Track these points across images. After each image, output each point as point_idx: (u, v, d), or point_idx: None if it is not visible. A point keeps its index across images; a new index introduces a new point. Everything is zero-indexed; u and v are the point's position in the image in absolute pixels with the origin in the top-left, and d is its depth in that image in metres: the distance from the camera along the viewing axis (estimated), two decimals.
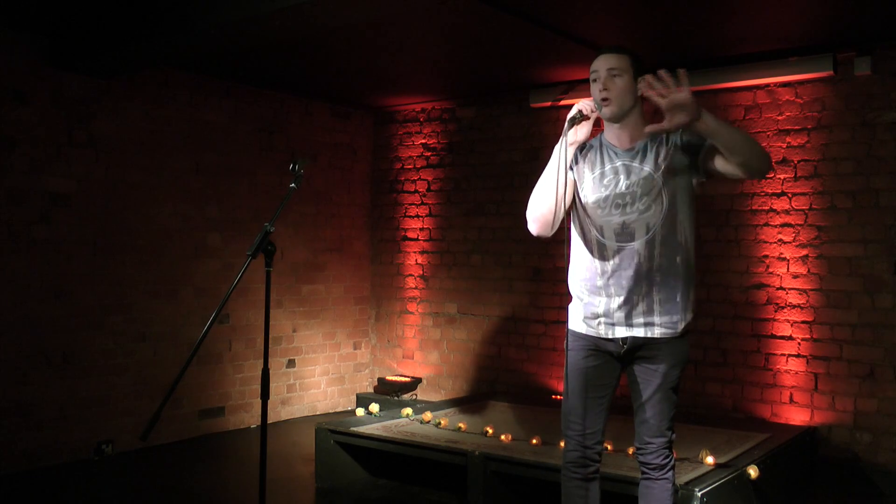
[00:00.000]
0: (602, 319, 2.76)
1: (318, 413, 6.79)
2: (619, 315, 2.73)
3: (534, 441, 4.34)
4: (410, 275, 7.07)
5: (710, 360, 5.48)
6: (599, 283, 2.76)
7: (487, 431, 4.58)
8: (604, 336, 2.77)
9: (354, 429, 4.67)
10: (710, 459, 3.94)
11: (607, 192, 2.73)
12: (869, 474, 4.84)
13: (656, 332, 2.73)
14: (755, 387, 5.32)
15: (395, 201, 7.20)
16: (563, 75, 5.88)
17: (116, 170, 5.47)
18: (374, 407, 5.14)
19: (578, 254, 2.84)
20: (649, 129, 2.54)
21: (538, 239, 2.92)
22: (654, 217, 2.69)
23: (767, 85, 5.32)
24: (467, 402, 5.70)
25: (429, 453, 4.37)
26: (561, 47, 5.11)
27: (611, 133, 2.80)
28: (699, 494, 3.46)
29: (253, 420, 6.26)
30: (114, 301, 5.43)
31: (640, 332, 2.73)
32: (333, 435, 4.69)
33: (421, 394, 6.86)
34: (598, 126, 2.82)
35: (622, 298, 2.72)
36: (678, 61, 5.42)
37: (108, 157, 5.43)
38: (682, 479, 3.58)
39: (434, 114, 6.98)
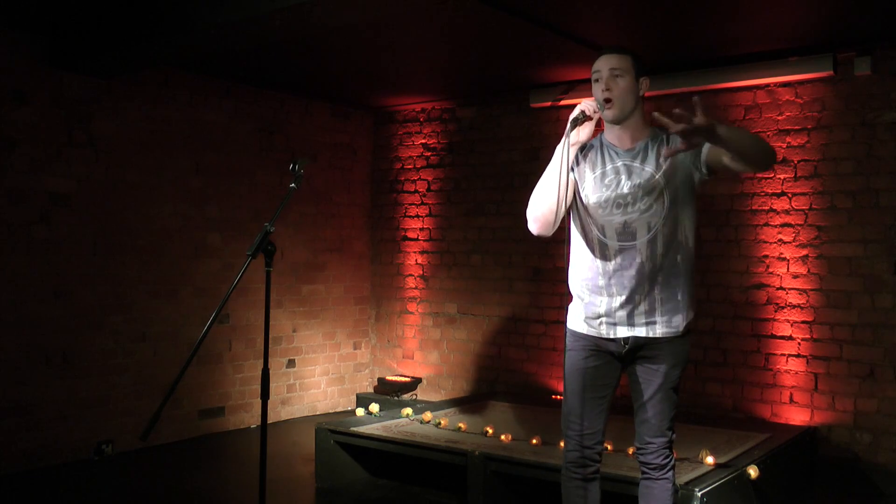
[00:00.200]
0: (603, 319, 2.76)
1: (318, 413, 6.79)
2: (621, 315, 2.73)
3: (534, 441, 4.34)
4: (410, 275, 7.07)
5: (710, 360, 5.48)
6: (601, 282, 2.76)
7: (487, 431, 4.58)
8: (605, 336, 2.77)
9: (354, 429, 4.67)
10: (710, 459, 3.94)
11: (608, 192, 2.73)
12: (869, 474, 4.84)
13: (658, 331, 2.73)
14: (755, 387, 5.32)
15: (395, 201, 7.20)
16: (563, 75, 5.87)
17: (116, 170, 5.47)
18: (374, 407, 5.14)
19: (579, 253, 2.84)
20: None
21: (538, 239, 2.91)
22: (655, 216, 2.69)
23: (767, 85, 5.32)
24: (467, 402, 5.70)
25: (429, 453, 4.37)
26: (561, 47, 5.11)
27: (611, 133, 2.80)
28: (699, 494, 3.46)
29: (253, 420, 6.25)
30: (114, 301, 5.43)
31: (641, 332, 2.73)
32: (333, 435, 4.69)
33: (421, 394, 6.86)
34: (599, 126, 2.81)
35: (624, 298, 2.72)
36: (678, 61, 5.45)
37: (108, 157, 5.43)
38: (682, 479, 3.58)
39: (434, 114, 6.98)
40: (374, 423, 4.86)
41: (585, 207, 2.79)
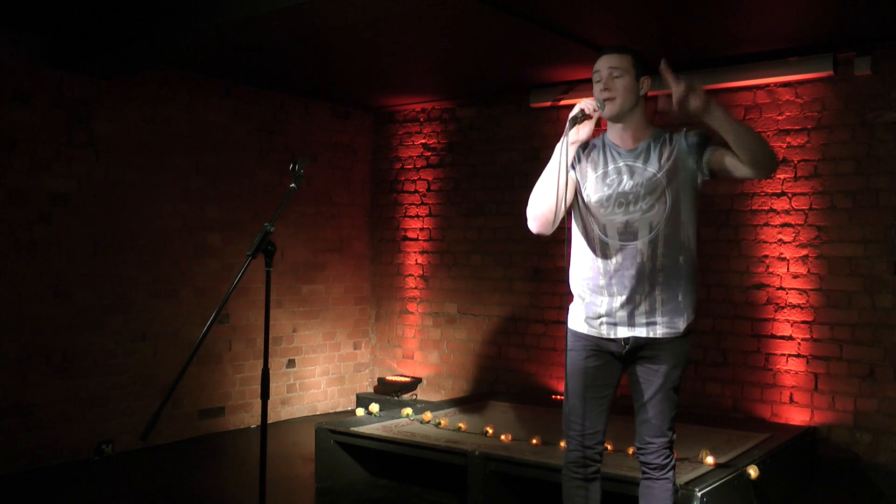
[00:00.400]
0: (604, 319, 2.76)
1: (318, 413, 6.79)
2: (622, 315, 2.73)
3: (534, 441, 4.34)
4: (410, 275, 7.07)
5: (710, 360, 5.48)
6: (602, 282, 2.75)
7: (487, 431, 4.58)
8: (605, 336, 2.77)
9: (354, 429, 4.67)
10: (710, 459, 3.94)
11: (610, 192, 2.73)
12: (869, 474, 4.84)
13: (658, 331, 2.73)
14: (755, 387, 5.32)
15: (395, 201, 7.20)
16: (563, 75, 5.87)
17: (116, 170, 5.47)
18: (374, 407, 5.14)
19: (580, 253, 2.84)
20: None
21: (538, 239, 2.92)
22: (657, 216, 2.69)
23: (767, 85, 5.32)
24: (467, 402, 5.70)
25: (429, 453, 4.37)
26: (561, 47, 5.11)
27: (613, 133, 2.80)
28: (699, 494, 3.46)
29: (253, 420, 6.26)
30: (114, 301, 5.43)
31: (642, 332, 2.73)
32: (333, 435, 4.69)
33: (421, 394, 6.86)
34: (599, 126, 2.81)
35: (624, 298, 2.72)
36: (678, 61, 5.43)
37: (108, 157, 5.43)
38: (683, 479, 3.58)
39: (434, 114, 6.98)
40: (374, 423, 4.86)
41: (587, 206, 2.78)
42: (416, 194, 7.05)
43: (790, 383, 5.20)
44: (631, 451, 4.00)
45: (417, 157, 7.06)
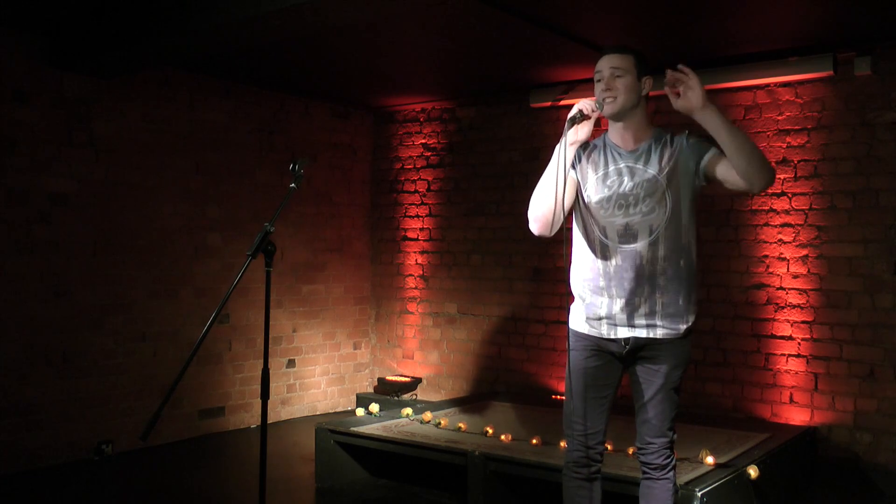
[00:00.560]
0: (604, 320, 2.76)
1: (318, 413, 6.79)
2: (622, 316, 2.73)
3: (534, 441, 4.34)
4: (410, 275, 7.07)
5: (710, 360, 5.48)
6: (602, 283, 2.75)
7: (487, 431, 4.57)
8: (606, 336, 2.77)
9: (354, 429, 4.67)
10: (710, 459, 3.94)
11: (610, 193, 2.73)
12: (869, 474, 4.84)
13: (658, 332, 2.73)
14: (755, 387, 5.32)
15: (395, 201, 7.20)
16: (563, 75, 5.87)
17: (116, 170, 5.47)
18: (374, 407, 5.14)
19: (581, 254, 2.84)
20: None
21: (538, 239, 2.91)
22: (657, 219, 2.69)
23: (767, 85, 5.32)
24: (467, 402, 5.70)
25: (429, 453, 4.37)
26: (561, 47, 5.11)
27: (615, 133, 2.80)
28: (699, 494, 3.46)
29: (253, 420, 6.26)
30: (114, 301, 5.43)
31: (642, 333, 2.73)
32: (333, 435, 4.69)
33: (421, 394, 6.86)
34: (598, 126, 2.81)
35: (624, 299, 2.72)
36: (678, 61, 5.42)
37: (109, 157, 5.43)
38: (683, 479, 3.58)
39: (434, 114, 6.98)
40: (374, 423, 4.86)
41: (587, 208, 2.78)
42: (416, 194, 7.05)
43: (790, 383, 5.20)
44: (631, 451, 4.00)
45: (417, 157, 7.06)
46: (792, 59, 5.12)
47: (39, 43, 5.07)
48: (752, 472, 3.89)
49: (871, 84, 4.97)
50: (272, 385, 6.14)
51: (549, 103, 6.17)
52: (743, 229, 5.40)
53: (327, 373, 6.93)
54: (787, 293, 5.23)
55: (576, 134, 2.72)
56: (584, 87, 5.89)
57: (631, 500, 3.17)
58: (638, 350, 2.76)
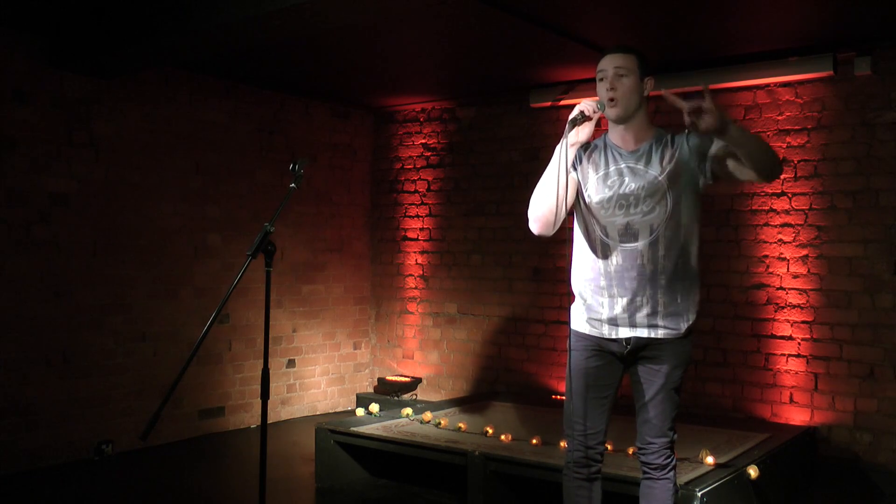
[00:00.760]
0: (605, 320, 2.76)
1: (318, 413, 6.79)
2: (623, 316, 2.73)
3: (534, 441, 4.34)
4: (410, 275, 7.07)
5: (710, 360, 5.48)
6: (603, 283, 2.75)
7: (487, 431, 4.58)
8: (607, 336, 2.77)
9: (354, 429, 4.67)
10: (710, 459, 3.94)
11: (611, 193, 2.73)
12: (869, 474, 4.84)
13: (660, 332, 2.73)
14: (755, 387, 5.32)
15: (395, 201, 7.20)
16: (563, 75, 5.87)
17: (116, 170, 5.47)
18: (374, 407, 5.14)
19: (582, 254, 2.84)
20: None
21: (538, 239, 2.91)
22: (658, 218, 2.69)
23: (767, 85, 5.32)
24: (467, 402, 5.70)
25: (429, 453, 4.37)
26: (561, 47, 5.11)
27: (615, 134, 2.79)
28: (699, 494, 3.46)
29: (253, 420, 6.25)
30: (114, 301, 5.43)
31: (643, 333, 2.73)
32: (333, 435, 4.69)
33: (421, 394, 6.86)
34: (599, 126, 2.81)
35: (626, 299, 2.72)
36: (678, 61, 5.45)
37: (109, 157, 5.43)
38: (683, 479, 3.58)
39: (434, 114, 6.98)
40: (374, 423, 4.86)
41: (588, 207, 2.78)
42: (416, 194, 7.05)
43: (790, 383, 5.20)
44: (631, 451, 4.01)
45: (417, 157, 7.06)
46: (792, 59, 5.12)
47: (39, 43, 5.06)
48: (752, 472, 3.89)
49: (871, 84, 4.97)
50: (272, 385, 6.14)
51: (549, 103, 6.17)
52: (743, 229, 5.40)
53: (327, 373, 6.93)
54: (787, 293, 5.23)
55: (577, 135, 2.72)
56: (584, 87, 5.89)
57: (631, 500, 3.17)
58: (639, 350, 2.76)
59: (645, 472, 2.84)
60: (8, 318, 4.92)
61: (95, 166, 5.36)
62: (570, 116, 2.68)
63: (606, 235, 2.75)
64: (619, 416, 3.18)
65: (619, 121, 2.74)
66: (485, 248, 6.62)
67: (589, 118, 2.70)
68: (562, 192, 2.67)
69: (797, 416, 5.16)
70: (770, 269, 5.30)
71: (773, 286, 5.28)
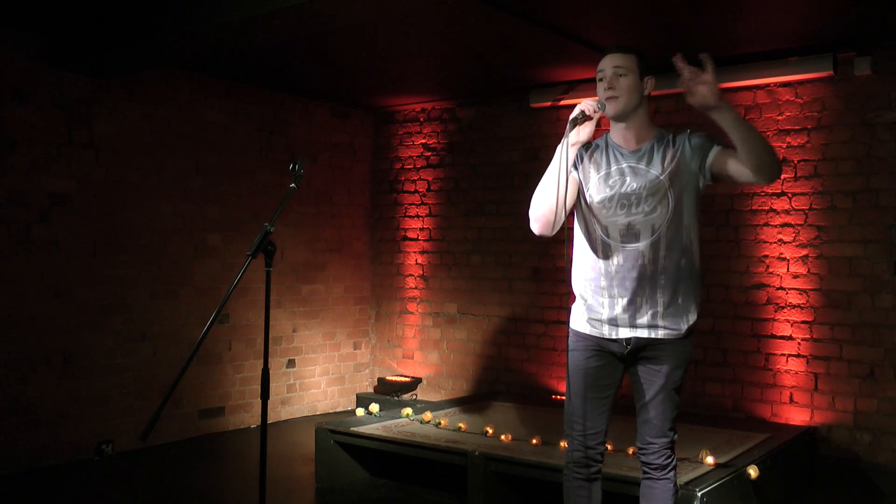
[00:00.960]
0: (606, 320, 2.75)
1: (318, 413, 6.79)
2: (624, 316, 2.73)
3: (534, 441, 4.34)
4: (410, 275, 7.07)
5: (710, 360, 5.48)
6: (604, 283, 2.75)
7: (487, 431, 4.58)
8: (607, 336, 2.76)
9: (354, 429, 4.67)
10: (710, 459, 3.94)
11: (612, 193, 2.73)
12: (869, 474, 4.84)
13: (660, 333, 2.72)
14: (755, 387, 5.32)
15: (395, 201, 7.20)
16: (563, 75, 5.87)
17: (116, 170, 5.47)
18: (374, 407, 5.14)
19: (582, 254, 2.84)
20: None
21: (538, 239, 2.91)
22: (659, 218, 2.69)
23: (767, 85, 5.32)
24: (467, 402, 5.70)
25: (429, 453, 4.37)
26: (561, 47, 5.11)
27: (617, 133, 2.79)
28: (699, 494, 3.46)
29: (253, 420, 6.26)
30: (114, 301, 5.43)
31: (643, 333, 2.73)
32: (333, 435, 4.69)
33: (421, 394, 6.86)
34: (600, 126, 2.81)
35: (626, 299, 2.71)
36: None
37: (109, 157, 5.43)
38: (683, 479, 3.58)
39: (434, 114, 6.98)
40: (374, 423, 4.86)
41: (589, 207, 2.78)
42: (416, 194, 7.05)
43: (790, 383, 5.20)
44: (631, 451, 4.01)
45: (417, 157, 7.06)
46: (792, 59, 5.12)
47: (39, 43, 5.07)
48: (752, 472, 3.89)
49: (871, 84, 4.97)
50: (272, 385, 6.14)
51: (549, 103, 6.17)
52: (743, 229, 5.40)
53: (327, 373, 6.93)
54: (787, 293, 5.23)
55: (577, 134, 2.72)
56: (584, 87, 5.89)
57: (631, 500, 3.17)
58: (639, 350, 2.76)
59: (645, 473, 2.84)
60: (8, 318, 4.92)
61: (95, 166, 5.36)
62: (571, 116, 2.68)
63: (608, 236, 2.74)
64: (619, 416, 3.19)
65: (619, 118, 2.73)
66: (485, 248, 6.62)
67: (590, 118, 2.70)
68: (562, 191, 2.67)
69: (797, 416, 5.16)
70: (770, 269, 5.30)
71: (773, 286, 5.28)
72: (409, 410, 5.10)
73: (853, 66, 4.99)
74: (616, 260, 2.73)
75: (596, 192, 2.76)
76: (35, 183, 5.06)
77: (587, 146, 2.81)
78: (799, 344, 5.18)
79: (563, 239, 2.83)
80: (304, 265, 6.73)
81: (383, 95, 6.78)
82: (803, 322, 5.17)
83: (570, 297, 2.90)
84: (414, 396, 6.77)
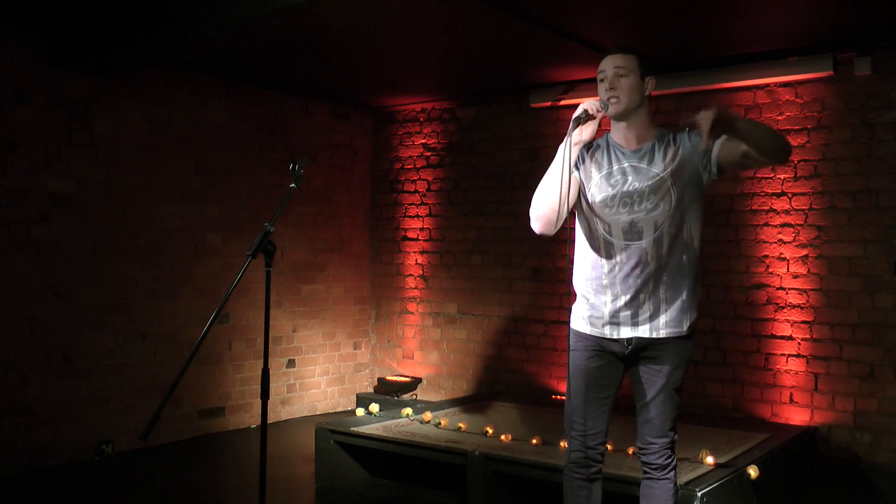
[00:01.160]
0: (607, 319, 2.75)
1: (318, 413, 6.79)
2: (625, 315, 2.73)
3: (534, 441, 4.34)
4: (410, 275, 7.07)
5: (710, 360, 5.48)
6: (605, 282, 2.75)
7: (487, 431, 4.58)
8: (608, 336, 2.76)
9: (354, 429, 4.67)
10: (710, 459, 3.94)
11: (614, 191, 2.73)
12: (869, 474, 4.84)
13: (662, 332, 2.72)
14: (755, 387, 5.32)
15: (395, 201, 7.20)
16: (563, 75, 5.87)
17: (116, 170, 5.47)
18: (374, 407, 5.14)
19: (584, 253, 2.84)
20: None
21: (538, 239, 2.91)
22: (661, 215, 2.69)
23: (767, 85, 5.32)
24: (467, 402, 5.70)
25: (429, 453, 4.37)
26: (561, 47, 5.11)
27: (618, 133, 2.80)
28: (699, 494, 3.46)
29: (253, 420, 6.25)
30: (114, 301, 5.43)
31: (645, 333, 2.73)
32: (333, 435, 4.69)
33: (421, 394, 6.86)
34: (601, 126, 2.81)
35: (628, 298, 2.71)
36: (678, 61, 5.45)
37: (109, 157, 5.43)
38: (683, 479, 3.58)
39: (434, 114, 6.98)
40: (374, 423, 4.86)
41: (591, 206, 2.78)
42: (416, 194, 7.05)
43: (790, 383, 5.20)
44: (631, 451, 4.01)
45: (417, 157, 7.06)
46: (792, 59, 5.12)
47: (39, 43, 5.06)
48: (752, 472, 3.89)
49: (871, 84, 4.97)
50: (272, 385, 6.14)
51: (549, 103, 6.17)
52: (743, 229, 5.40)
53: (327, 373, 6.93)
54: (787, 293, 5.23)
55: (580, 134, 2.72)
56: (584, 87, 5.89)
57: (631, 500, 3.17)
58: (640, 350, 2.76)
59: (645, 473, 2.84)
60: (8, 318, 4.92)
61: (95, 166, 5.36)
62: (575, 115, 2.69)
63: (610, 234, 2.74)
64: (619, 416, 3.19)
65: (620, 117, 2.74)
66: (485, 248, 6.62)
67: (593, 117, 2.70)
68: (564, 190, 2.67)
69: (797, 416, 5.16)
70: (770, 269, 5.30)
71: (773, 286, 5.28)
72: (409, 410, 5.10)
73: (853, 66, 4.99)
74: (619, 258, 2.73)
75: (598, 192, 2.76)
76: (35, 183, 5.06)
77: (588, 146, 2.81)
78: (799, 344, 5.18)
79: (563, 239, 2.83)
80: (304, 265, 6.73)
81: (383, 95, 6.77)
82: (803, 322, 5.17)
83: (571, 297, 2.90)
84: (414, 396, 6.77)
